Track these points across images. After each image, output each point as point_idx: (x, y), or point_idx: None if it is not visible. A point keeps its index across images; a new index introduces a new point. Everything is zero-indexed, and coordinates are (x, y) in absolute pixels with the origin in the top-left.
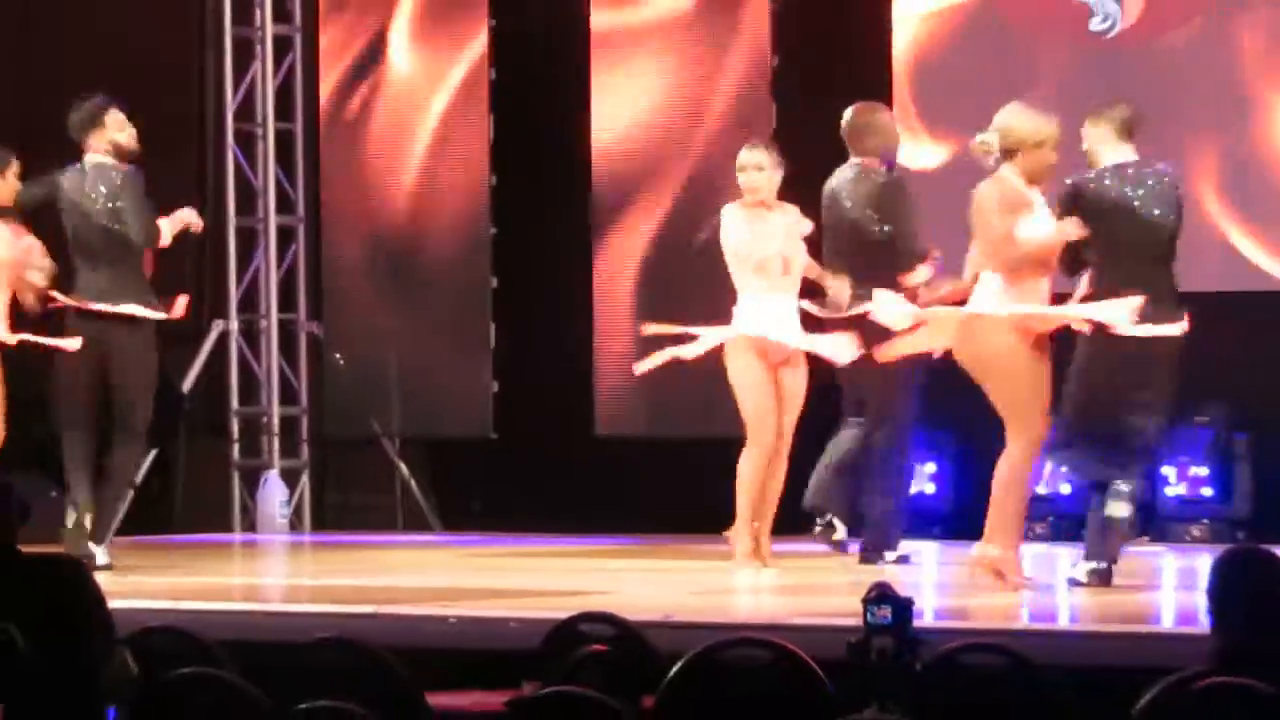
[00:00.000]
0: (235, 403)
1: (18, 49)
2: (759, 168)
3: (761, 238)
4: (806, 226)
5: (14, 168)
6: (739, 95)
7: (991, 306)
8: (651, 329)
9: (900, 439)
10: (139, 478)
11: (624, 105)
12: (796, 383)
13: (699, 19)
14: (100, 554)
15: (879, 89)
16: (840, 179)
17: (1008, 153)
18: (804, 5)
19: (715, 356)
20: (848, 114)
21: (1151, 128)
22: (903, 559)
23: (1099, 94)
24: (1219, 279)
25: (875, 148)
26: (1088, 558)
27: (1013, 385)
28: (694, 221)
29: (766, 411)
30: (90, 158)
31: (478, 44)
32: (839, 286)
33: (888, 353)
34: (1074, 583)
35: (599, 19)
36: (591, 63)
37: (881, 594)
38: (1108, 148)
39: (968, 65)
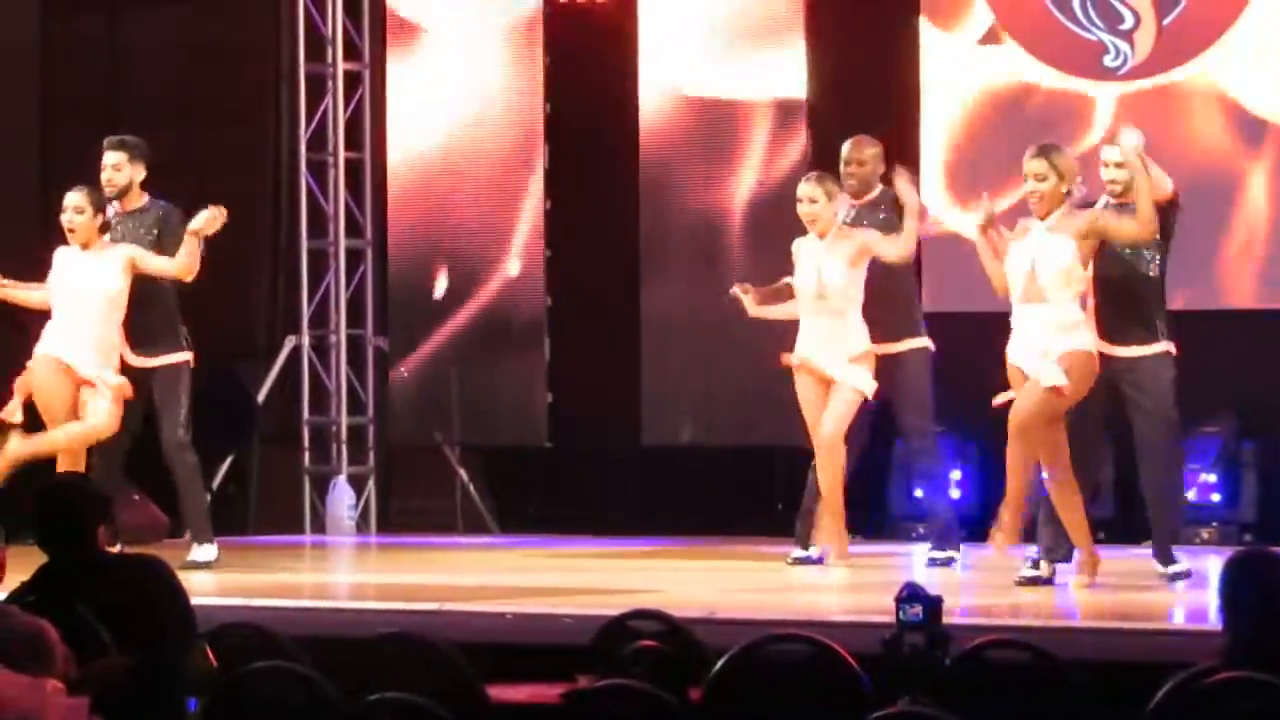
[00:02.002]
0: (306, 413)
1: (110, 86)
2: (813, 200)
3: (801, 265)
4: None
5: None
6: (773, 121)
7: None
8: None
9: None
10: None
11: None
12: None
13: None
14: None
15: (908, 127)
16: None
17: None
18: (837, 40)
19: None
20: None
21: (1158, 158)
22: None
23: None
24: (1228, 297)
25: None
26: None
27: None
28: (733, 245)
29: (812, 424)
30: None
31: (534, 81)
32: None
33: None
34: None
35: (645, 66)
36: (640, 101)
37: (913, 593)
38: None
39: (991, 99)
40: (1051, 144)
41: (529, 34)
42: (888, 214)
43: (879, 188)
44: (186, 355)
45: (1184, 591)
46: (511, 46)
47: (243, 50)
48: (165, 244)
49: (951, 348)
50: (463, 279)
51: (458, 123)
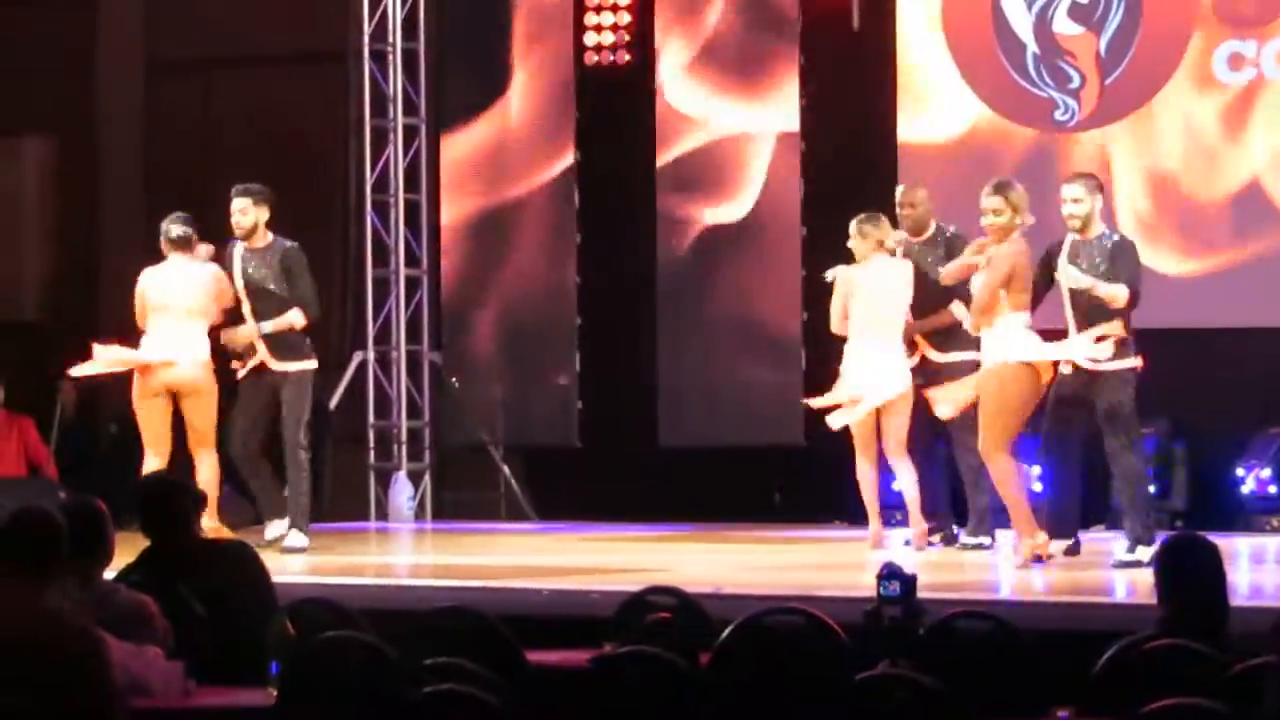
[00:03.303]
0: (372, 417)
1: (206, 142)
2: (861, 237)
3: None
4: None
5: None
6: (770, 172)
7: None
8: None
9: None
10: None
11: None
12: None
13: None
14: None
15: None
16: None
17: None
18: (824, 90)
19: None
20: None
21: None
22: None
23: (1061, 173)
24: (1165, 318)
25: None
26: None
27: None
28: (736, 274)
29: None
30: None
31: (567, 134)
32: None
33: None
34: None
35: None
36: (656, 147)
37: (891, 572)
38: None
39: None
40: (1005, 180)
41: (563, 93)
42: (944, 250)
43: (933, 226)
44: (313, 364)
45: (1125, 570)
46: (548, 105)
47: (317, 109)
48: (291, 279)
49: None
50: (506, 304)
51: (502, 171)
